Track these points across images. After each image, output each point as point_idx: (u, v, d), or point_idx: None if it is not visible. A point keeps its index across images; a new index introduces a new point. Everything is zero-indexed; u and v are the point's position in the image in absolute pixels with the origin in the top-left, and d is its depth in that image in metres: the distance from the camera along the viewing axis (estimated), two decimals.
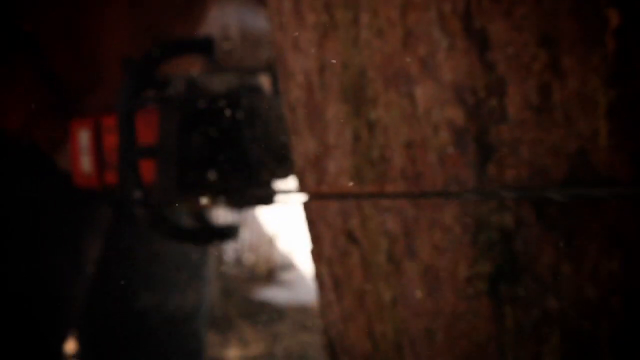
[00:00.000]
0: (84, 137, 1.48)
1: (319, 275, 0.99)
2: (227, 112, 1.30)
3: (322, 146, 0.94)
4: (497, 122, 0.82)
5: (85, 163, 1.48)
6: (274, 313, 4.39)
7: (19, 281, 1.59)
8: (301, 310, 4.40)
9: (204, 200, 1.34)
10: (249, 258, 4.80)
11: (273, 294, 4.58)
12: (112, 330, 1.76)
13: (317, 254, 0.98)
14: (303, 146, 0.96)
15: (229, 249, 4.69)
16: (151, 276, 1.74)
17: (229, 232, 1.41)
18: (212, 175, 1.31)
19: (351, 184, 0.92)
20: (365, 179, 0.90)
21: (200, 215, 1.44)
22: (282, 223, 4.78)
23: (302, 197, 0.99)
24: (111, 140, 1.42)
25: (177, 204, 1.32)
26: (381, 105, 0.88)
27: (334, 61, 0.89)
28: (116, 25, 1.56)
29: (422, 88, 0.85)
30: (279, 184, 1.35)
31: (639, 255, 0.81)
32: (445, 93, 0.84)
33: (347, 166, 0.92)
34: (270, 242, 4.85)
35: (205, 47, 1.36)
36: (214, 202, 1.34)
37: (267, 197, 1.31)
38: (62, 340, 1.67)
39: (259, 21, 1.40)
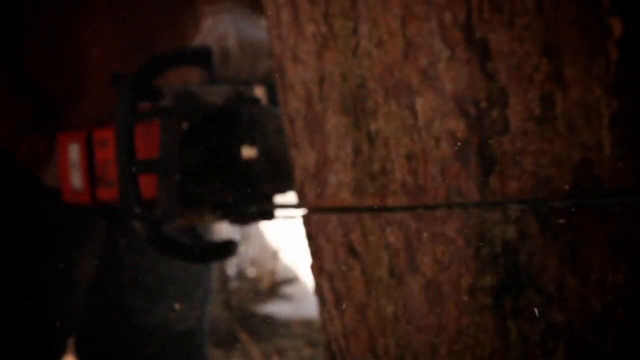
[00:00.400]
0: (73, 152, 1.44)
1: (319, 290, 0.99)
2: (228, 124, 1.29)
3: (322, 159, 0.93)
4: (499, 133, 0.82)
5: (76, 178, 1.44)
6: (278, 327, 4.38)
7: (7, 300, 1.56)
8: (305, 324, 4.39)
9: (205, 216, 1.32)
10: (252, 272, 4.80)
11: (276, 308, 4.57)
12: (112, 346, 1.74)
13: (318, 269, 0.97)
14: (302, 159, 0.95)
15: (232, 263, 4.68)
16: (151, 291, 1.73)
17: (227, 249, 1.40)
18: (213, 190, 1.30)
19: (351, 197, 0.91)
20: (365, 192, 0.90)
21: (193, 231, 1.41)
22: (286, 236, 4.77)
23: (302, 211, 0.98)
24: (103, 155, 1.39)
25: (178, 220, 1.30)
26: (381, 117, 0.87)
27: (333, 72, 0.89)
28: (100, 35, 1.54)
29: (423, 99, 0.85)
30: (280, 198, 1.34)
31: None
32: (446, 104, 0.83)
33: (348, 179, 0.91)
34: (273, 255, 4.84)
35: (202, 58, 1.34)
36: (216, 217, 1.33)
37: (268, 212, 1.29)
38: (58, 358, 1.65)
39: (258, 31, 1.39)
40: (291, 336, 4.34)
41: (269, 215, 1.29)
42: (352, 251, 0.92)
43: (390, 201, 0.88)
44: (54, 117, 1.55)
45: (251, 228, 4.62)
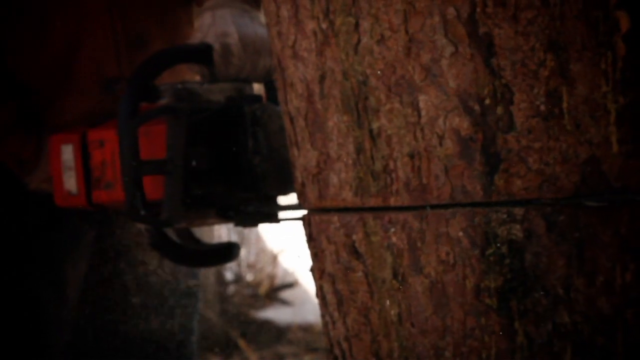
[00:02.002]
0: (67, 153, 1.42)
1: (321, 293, 0.98)
2: (232, 124, 1.28)
3: (323, 158, 0.92)
4: (503, 130, 0.82)
5: (70, 181, 1.42)
6: (277, 333, 4.38)
7: None
8: (305, 329, 4.39)
9: (210, 217, 1.31)
10: (250, 276, 4.79)
11: (276, 313, 4.57)
12: (100, 358, 1.73)
13: (319, 271, 0.97)
14: (303, 158, 0.95)
15: (230, 267, 4.67)
16: (139, 302, 1.71)
17: (230, 253, 1.39)
18: (218, 191, 1.29)
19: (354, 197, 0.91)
20: (368, 191, 0.89)
21: (191, 235, 1.39)
22: (285, 239, 4.77)
23: (304, 212, 0.97)
24: (100, 156, 1.37)
25: (184, 222, 1.29)
26: (384, 115, 0.87)
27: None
28: (94, 32, 1.51)
29: (426, 96, 0.84)
30: (283, 199, 1.33)
31: None
32: (449, 101, 0.83)
33: (350, 179, 0.90)
34: (272, 259, 4.84)
35: (203, 55, 1.33)
36: (221, 219, 1.32)
37: (273, 214, 1.28)
38: None
39: (258, 27, 1.37)
40: (291, 342, 4.34)
41: (274, 217, 1.28)
42: (354, 252, 0.91)
43: (393, 201, 0.87)
44: (40, 117, 1.52)
45: (250, 231, 4.61)
